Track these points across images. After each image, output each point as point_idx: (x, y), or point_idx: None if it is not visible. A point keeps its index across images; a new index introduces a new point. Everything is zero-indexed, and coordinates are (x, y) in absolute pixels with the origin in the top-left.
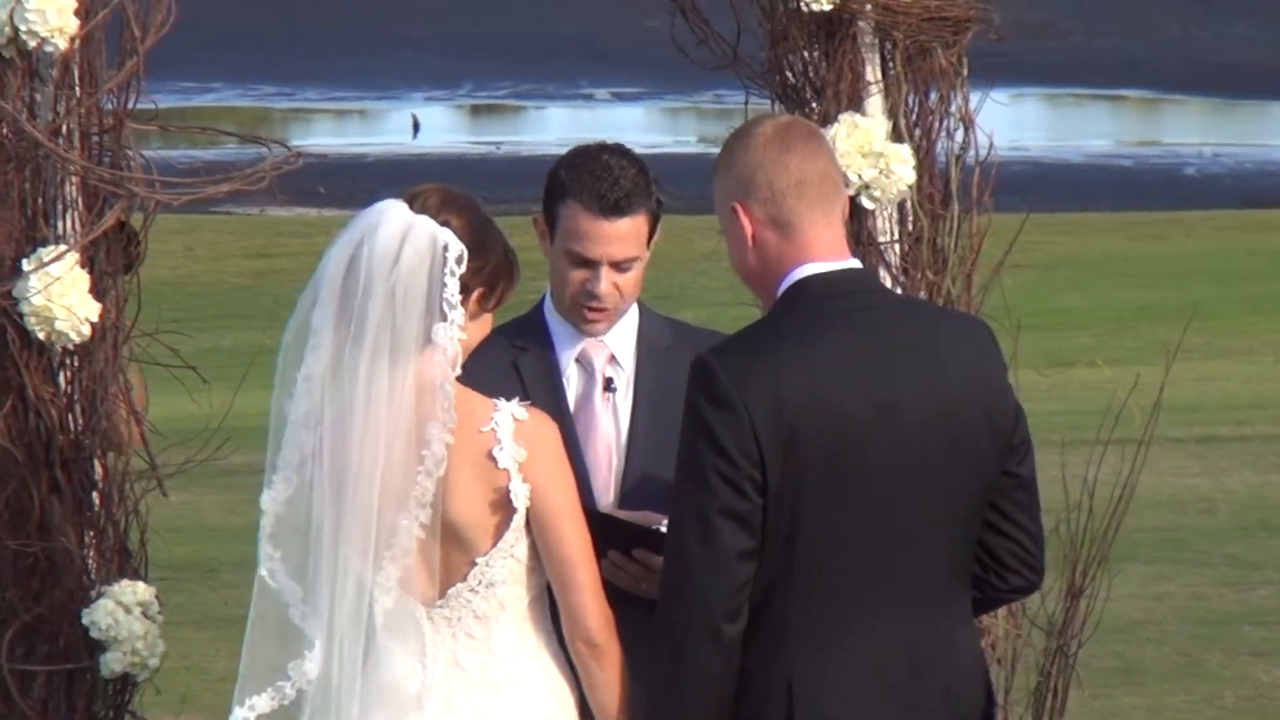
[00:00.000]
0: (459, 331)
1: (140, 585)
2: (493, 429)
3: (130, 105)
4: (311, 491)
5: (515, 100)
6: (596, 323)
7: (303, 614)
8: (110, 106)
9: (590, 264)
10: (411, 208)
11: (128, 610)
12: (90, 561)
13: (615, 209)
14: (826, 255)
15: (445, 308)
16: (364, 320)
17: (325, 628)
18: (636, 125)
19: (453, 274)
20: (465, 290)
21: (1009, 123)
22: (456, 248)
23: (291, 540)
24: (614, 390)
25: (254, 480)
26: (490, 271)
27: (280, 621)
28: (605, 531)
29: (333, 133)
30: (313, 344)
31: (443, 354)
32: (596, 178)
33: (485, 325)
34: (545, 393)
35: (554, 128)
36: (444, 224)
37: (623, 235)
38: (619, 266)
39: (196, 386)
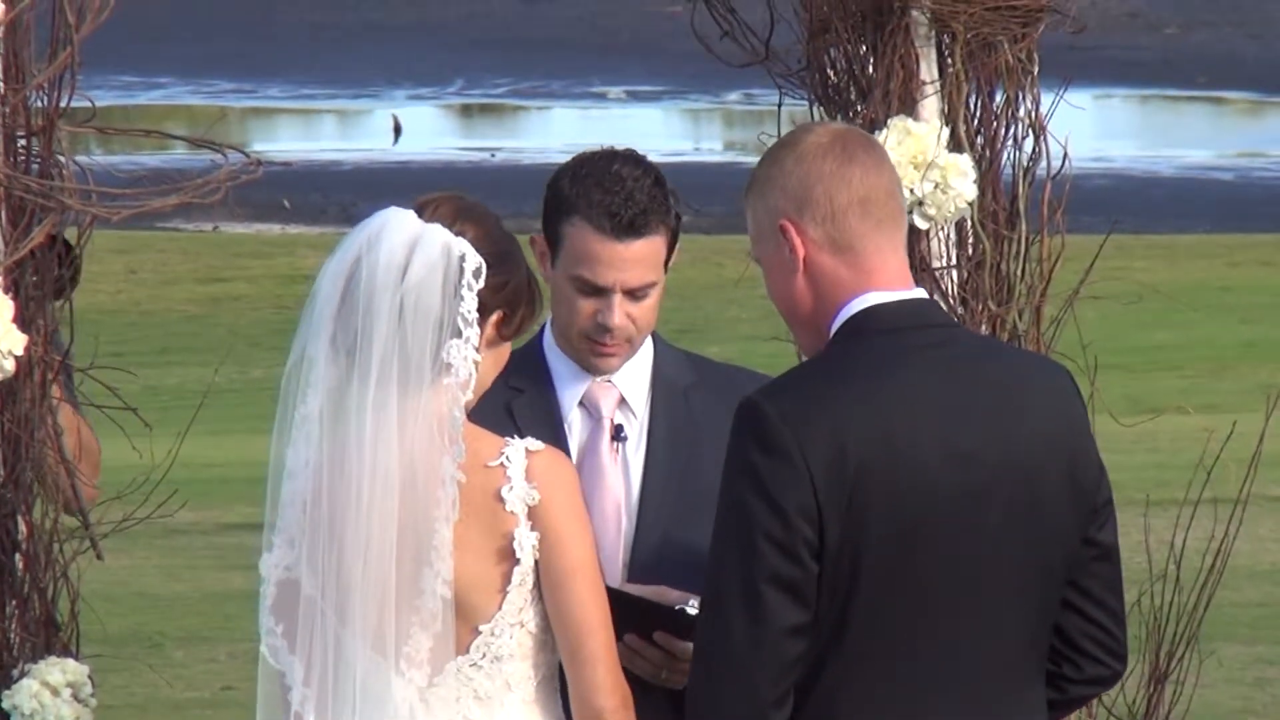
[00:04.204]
0: (474, 352)
1: (70, 663)
2: (502, 465)
3: (63, 103)
4: (310, 551)
5: (513, 99)
6: (609, 358)
7: (303, 697)
8: (39, 105)
9: (601, 292)
10: (420, 217)
11: (55, 692)
12: (12, 635)
13: (630, 229)
14: (891, 284)
15: (460, 324)
16: (369, 345)
17: (330, 712)
18: (655, 129)
19: (470, 288)
20: (483, 311)
21: (1091, 129)
22: (475, 259)
23: (295, 611)
24: (624, 440)
25: (203, 541)
26: (511, 291)
27: (286, 706)
28: (621, 611)
29: (301, 136)
30: (310, 378)
31: (453, 375)
32: (607, 191)
33: (501, 358)
34: (543, 441)
35: (558, 132)
36: (458, 234)
37: (639, 259)
38: (634, 294)
39: (138, 431)
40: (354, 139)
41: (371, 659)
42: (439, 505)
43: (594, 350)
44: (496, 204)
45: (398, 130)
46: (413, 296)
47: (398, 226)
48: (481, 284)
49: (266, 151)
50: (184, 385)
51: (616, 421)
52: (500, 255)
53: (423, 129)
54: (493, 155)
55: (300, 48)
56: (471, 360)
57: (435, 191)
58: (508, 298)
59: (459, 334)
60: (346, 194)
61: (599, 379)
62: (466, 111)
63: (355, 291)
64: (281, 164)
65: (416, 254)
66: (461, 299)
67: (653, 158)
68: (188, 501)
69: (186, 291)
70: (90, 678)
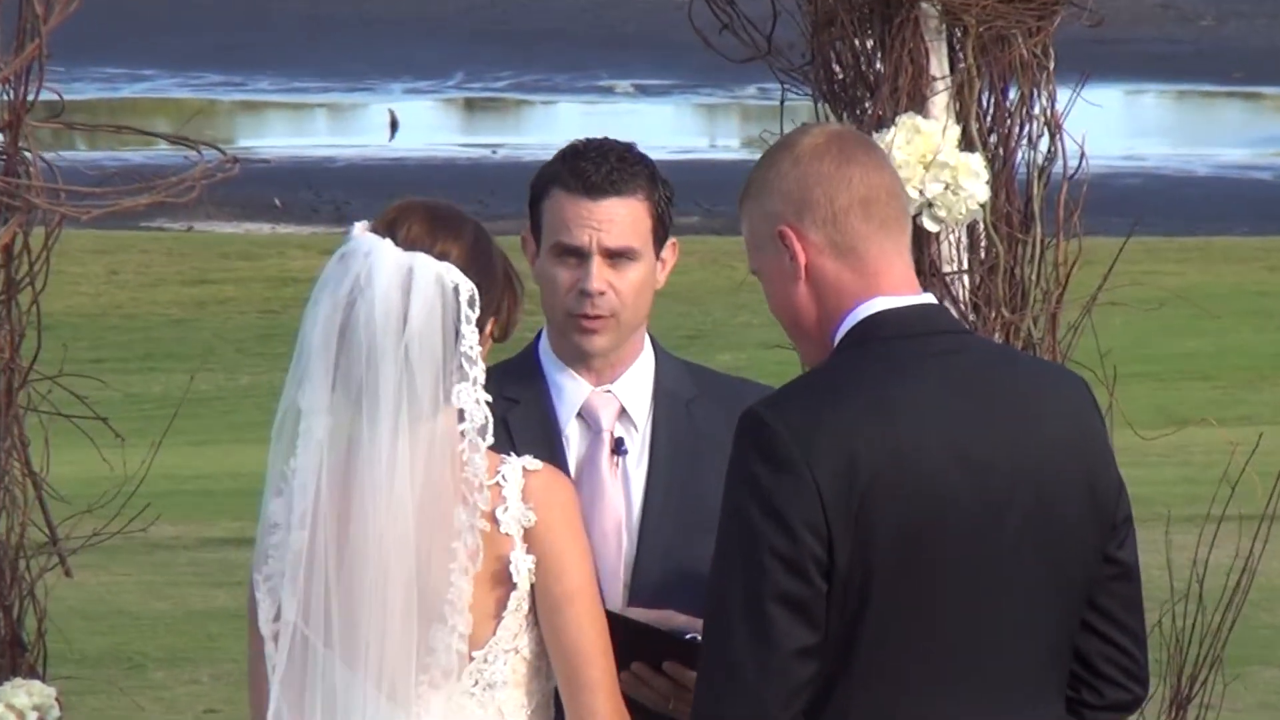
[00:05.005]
0: (483, 392)
1: (36, 685)
2: (498, 484)
3: (30, 97)
4: (312, 605)
5: (516, 94)
6: (595, 334)
7: None
8: (6, 99)
9: (579, 254)
10: (395, 241)
11: (21, 715)
12: None
13: (603, 185)
14: (897, 288)
15: (465, 364)
16: (375, 395)
17: None
18: (665, 125)
19: (468, 320)
20: (479, 330)
21: (1121, 126)
22: (467, 287)
23: (299, 673)
24: (624, 453)
25: (185, 557)
26: (498, 297)
27: None
28: (626, 639)
29: (292, 132)
30: (303, 429)
31: (468, 421)
32: (579, 157)
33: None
34: (539, 455)
35: (563, 127)
36: (441, 256)
37: (613, 217)
38: (613, 259)
39: (111, 442)
40: (348, 134)
41: (383, 706)
42: (454, 557)
43: (579, 326)
44: (499, 204)
45: (394, 125)
46: (416, 343)
47: (384, 263)
48: (478, 312)
49: (256, 148)
50: (168, 393)
51: (617, 434)
52: (481, 267)
53: (420, 124)
54: (494, 152)
55: (292, 39)
56: (484, 403)
57: (395, 204)
58: (495, 305)
59: (465, 375)
60: (340, 192)
61: (598, 389)
62: (467, 106)
63: (353, 340)
64: (260, 161)
65: (414, 296)
66: (462, 337)
67: (663, 155)
68: (160, 515)
69: (171, 294)
70: (57, 700)
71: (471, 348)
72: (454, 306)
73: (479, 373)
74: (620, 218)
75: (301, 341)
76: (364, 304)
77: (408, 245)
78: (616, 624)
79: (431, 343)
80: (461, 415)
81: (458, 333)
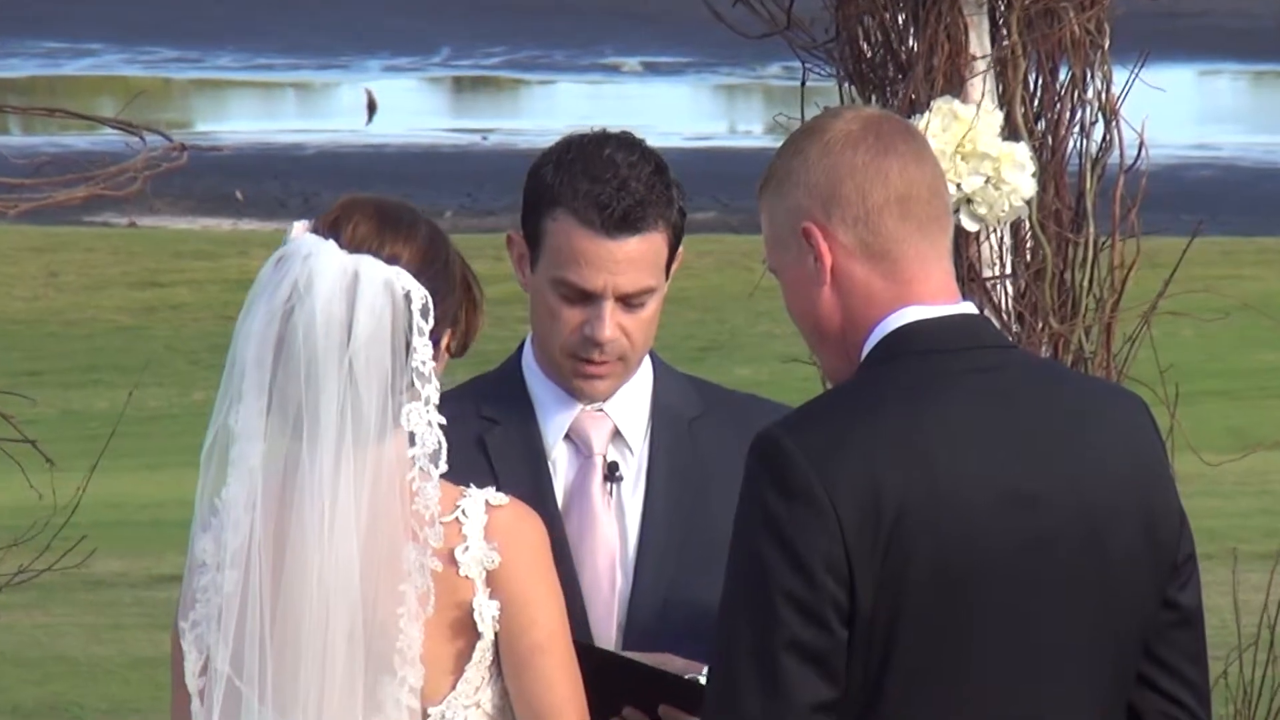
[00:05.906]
0: (437, 414)
1: None
2: (456, 520)
3: None
4: (245, 654)
5: (510, 72)
6: (597, 380)
7: None
8: None
9: (589, 298)
10: (339, 242)
11: None
12: None
13: (624, 223)
14: (935, 297)
15: (416, 381)
16: (316, 416)
17: None
18: (678, 108)
19: (421, 332)
20: (433, 344)
21: (1193, 111)
22: (420, 295)
23: None
24: (619, 480)
25: (131, 595)
26: (454, 308)
27: None
28: (619, 679)
29: (257, 114)
30: (235, 455)
31: (419, 445)
32: (596, 179)
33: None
34: (523, 482)
35: (563, 110)
36: (391, 260)
37: (633, 259)
38: (628, 302)
39: (41, 467)
40: (319, 117)
41: None
42: (403, 601)
43: (579, 371)
44: (489, 195)
45: (371, 108)
46: (362, 357)
47: (326, 267)
48: (431, 323)
49: (216, 132)
50: (113, 410)
51: (610, 458)
52: (436, 272)
53: (401, 106)
54: (485, 138)
55: (257, 8)
56: (437, 425)
57: (339, 201)
58: (452, 316)
59: (416, 395)
60: (310, 183)
61: (589, 407)
62: (454, 85)
63: (291, 354)
64: (211, 149)
65: (359, 304)
66: (414, 350)
67: (676, 143)
68: (99, 548)
69: (118, 298)
70: None
71: (424, 363)
72: (405, 316)
73: (432, 392)
74: (640, 258)
75: (233, 356)
76: (303, 313)
77: (353, 247)
78: (607, 663)
79: (379, 357)
80: (412, 439)
81: (409, 346)
